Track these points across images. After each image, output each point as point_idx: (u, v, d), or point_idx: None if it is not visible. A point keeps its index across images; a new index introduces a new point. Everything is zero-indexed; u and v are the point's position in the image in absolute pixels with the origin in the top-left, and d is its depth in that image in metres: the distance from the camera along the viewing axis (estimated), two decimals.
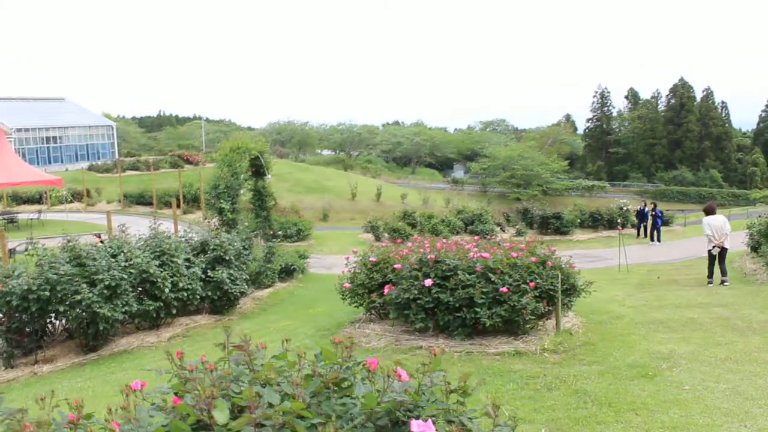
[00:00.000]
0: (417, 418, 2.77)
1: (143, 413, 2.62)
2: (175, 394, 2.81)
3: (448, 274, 9.15)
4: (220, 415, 2.40)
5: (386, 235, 26.28)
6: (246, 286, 14.45)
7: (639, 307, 12.39)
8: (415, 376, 3.05)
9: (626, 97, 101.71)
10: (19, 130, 66.59)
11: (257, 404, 2.44)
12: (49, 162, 64.29)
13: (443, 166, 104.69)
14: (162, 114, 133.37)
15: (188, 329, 12.71)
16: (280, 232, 23.58)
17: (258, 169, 23.23)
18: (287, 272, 17.78)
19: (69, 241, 11.71)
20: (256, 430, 2.42)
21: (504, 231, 32.23)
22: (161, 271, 12.37)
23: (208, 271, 13.55)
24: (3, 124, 61.91)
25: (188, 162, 60.54)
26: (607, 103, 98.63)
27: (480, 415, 2.99)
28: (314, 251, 23.10)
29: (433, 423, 2.62)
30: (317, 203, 40.97)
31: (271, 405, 2.53)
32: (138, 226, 17.89)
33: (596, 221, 34.28)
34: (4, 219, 30.35)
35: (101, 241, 13.07)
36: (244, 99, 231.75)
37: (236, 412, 2.63)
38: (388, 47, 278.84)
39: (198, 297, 13.19)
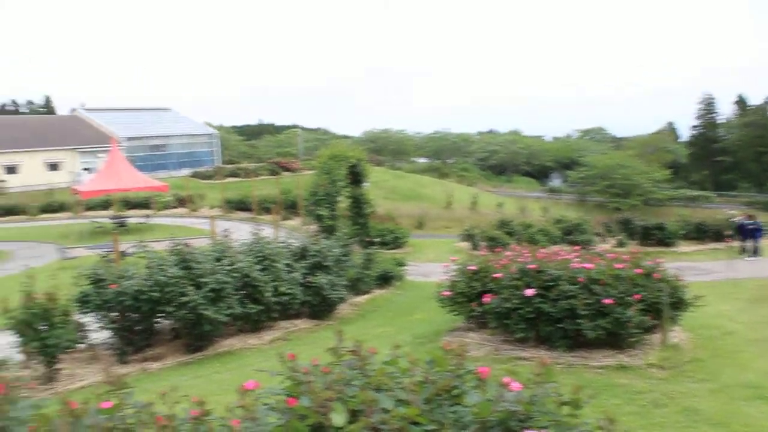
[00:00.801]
0: (529, 428, 2.73)
1: (261, 412, 2.68)
2: (288, 395, 2.86)
3: (550, 284, 8.99)
4: (338, 418, 2.43)
5: (483, 243, 26.06)
6: (344, 292, 14.63)
7: (752, 323, 11.81)
8: (527, 386, 3.01)
9: (735, 103, 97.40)
10: (128, 138, 69.80)
11: (374, 409, 2.46)
12: (156, 169, 66.96)
13: (539, 174, 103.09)
14: (261, 123, 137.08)
15: (288, 333, 12.96)
16: (377, 239, 23.75)
17: (356, 177, 23.50)
18: (384, 279, 17.88)
19: (177, 245, 12.16)
20: None
21: (604, 241, 31.40)
22: (263, 276, 12.68)
23: (308, 276, 13.79)
24: (114, 134, 65.06)
25: (286, 169, 61.87)
26: (712, 110, 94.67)
27: (593, 429, 2.92)
28: (411, 259, 23.15)
29: None
30: (413, 211, 41.06)
31: (385, 410, 2.55)
32: (239, 231, 18.42)
33: (702, 233, 32.85)
34: (115, 223, 31.83)
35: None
36: (339, 108, 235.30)
37: (350, 415, 2.66)
38: (482, 57, 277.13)
39: (298, 301, 13.45)
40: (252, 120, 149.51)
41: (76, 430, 2.22)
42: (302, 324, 13.56)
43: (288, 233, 15.52)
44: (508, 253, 11.05)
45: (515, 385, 2.99)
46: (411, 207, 43.91)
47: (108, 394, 2.58)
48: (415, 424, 2.56)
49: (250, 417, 2.59)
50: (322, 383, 2.74)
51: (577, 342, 8.95)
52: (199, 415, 2.54)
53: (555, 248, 14.73)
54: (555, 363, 8.43)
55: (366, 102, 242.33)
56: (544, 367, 3.14)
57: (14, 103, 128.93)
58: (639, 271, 9.26)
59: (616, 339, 8.89)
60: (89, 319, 11.77)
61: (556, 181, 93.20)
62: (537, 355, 8.71)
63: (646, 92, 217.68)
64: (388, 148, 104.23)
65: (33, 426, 2.30)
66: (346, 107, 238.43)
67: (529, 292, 8.90)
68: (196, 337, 11.77)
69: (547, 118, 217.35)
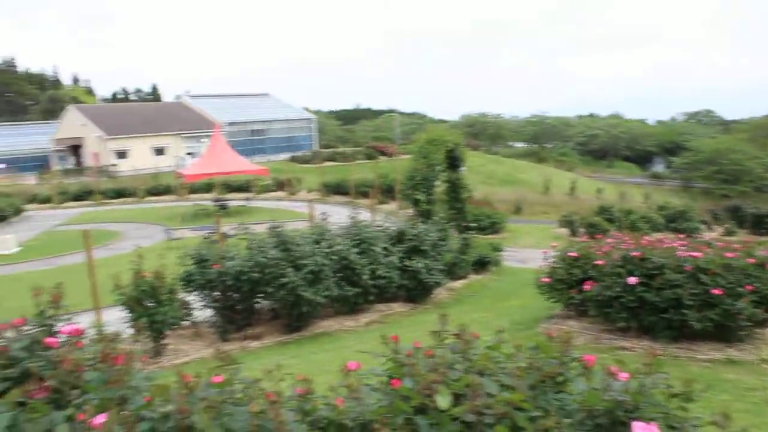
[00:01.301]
0: (637, 419, 2.64)
1: (364, 392, 2.69)
2: (391, 376, 2.86)
3: (654, 272, 8.68)
4: (443, 400, 2.42)
5: (582, 230, 25.47)
6: (441, 277, 14.61)
7: None
8: (634, 376, 2.91)
9: None
10: (229, 123, 71.78)
11: (478, 392, 2.43)
12: (255, 153, 68.64)
13: (641, 159, 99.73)
14: (357, 107, 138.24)
15: (384, 316, 13.05)
16: (474, 224, 23.59)
17: (453, 161, 23.38)
18: (481, 264, 17.76)
19: (276, 228, 12.43)
20: (476, 419, 2.41)
21: (710, 230, 30.15)
22: (360, 259, 12.80)
23: (405, 260, 13.83)
24: (216, 119, 67.03)
25: (382, 153, 62.24)
26: None
27: (705, 424, 2.80)
28: (508, 244, 22.89)
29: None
30: (509, 196, 40.56)
31: (490, 394, 2.52)
32: (336, 214, 18.65)
33: None
34: (217, 205, 32.85)
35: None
36: (435, 92, 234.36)
37: (452, 398, 2.64)
38: (583, 39, 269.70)
39: (394, 285, 13.52)
40: (349, 105, 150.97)
41: (190, 402, 2.29)
42: (398, 307, 13.63)
43: (385, 217, 15.60)
44: (609, 239, 10.74)
45: (622, 375, 2.90)
46: (508, 192, 43.39)
47: (218, 369, 2.66)
48: (519, 409, 2.52)
49: (353, 396, 2.62)
50: (426, 366, 2.73)
51: (681, 333, 8.62)
52: (304, 393, 2.58)
53: (658, 236, 14.22)
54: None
55: (463, 84, 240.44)
56: (652, 357, 3.03)
57: (124, 91, 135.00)
58: (751, 260, 8.82)
59: (724, 332, 8.50)
60: (193, 298, 12.21)
61: (658, 167, 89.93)
62: (639, 345, 8.46)
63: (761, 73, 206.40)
64: (486, 133, 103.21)
65: (149, 395, 2.39)
66: (443, 91, 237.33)
67: (632, 280, 8.62)
68: (294, 317, 12.01)
69: (651, 101, 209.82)
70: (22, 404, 2.46)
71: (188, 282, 11.95)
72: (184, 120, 73.21)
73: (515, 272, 18.10)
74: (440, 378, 2.54)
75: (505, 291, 15.44)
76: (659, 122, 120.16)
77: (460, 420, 2.45)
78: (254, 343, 11.65)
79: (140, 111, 77.59)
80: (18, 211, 39.35)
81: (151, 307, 10.78)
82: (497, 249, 19.44)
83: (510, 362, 2.92)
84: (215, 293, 11.95)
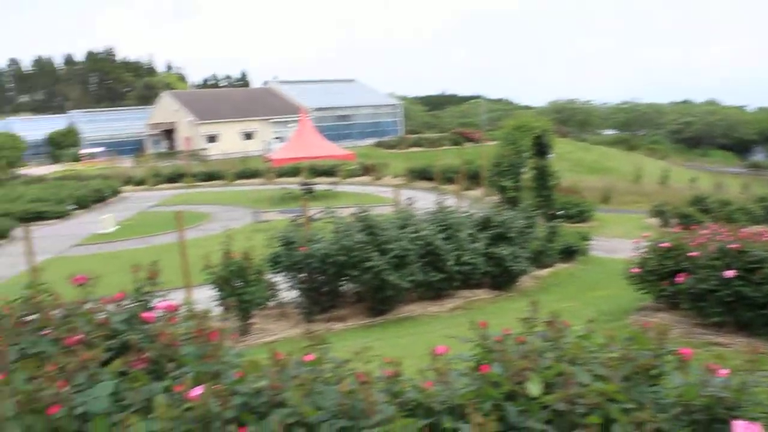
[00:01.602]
0: (737, 418, 2.53)
1: (452, 377, 2.67)
2: (480, 362, 2.83)
3: (754, 266, 8.30)
4: (534, 388, 2.37)
5: (674, 220, 24.64)
6: (527, 264, 14.40)
7: None
8: (735, 373, 2.78)
9: None
10: (317, 109, 72.67)
11: (571, 381, 2.38)
12: (341, 138, 69.29)
13: (739, 148, 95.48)
14: (443, 93, 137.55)
15: (468, 302, 12.98)
16: (561, 212, 23.15)
17: (541, 148, 22.97)
18: (568, 253, 17.40)
19: (363, 212, 12.52)
20: (568, 408, 2.36)
21: None
22: (446, 245, 12.76)
23: (491, 247, 13.70)
24: (304, 104, 67.97)
25: (468, 139, 61.79)
26: None
27: None
28: (596, 233, 22.34)
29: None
30: (598, 184, 39.58)
31: (582, 384, 2.45)
32: (422, 200, 18.63)
33: None
34: (304, 189, 33.37)
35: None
36: (522, 78, 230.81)
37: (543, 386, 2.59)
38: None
39: (479, 271, 13.41)
40: (434, 91, 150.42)
41: (282, 378, 2.33)
42: (483, 294, 13.52)
43: (470, 203, 15.49)
44: (704, 231, 10.33)
45: (721, 371, 2.78)
46: (596, 180, 42.37)
47: (308, 349, 2.70)
48: (612, 401, 2.45)
49: (442, 380, 2.60)
50: (516, 353, 2.69)
51: None
52: (393, 375, 2.58)
53: (758, 228, 13.61)
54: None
55: (551, 71, 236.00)
56: (755, 354, 2.90)
57: (215, 77, 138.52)
58: None
59: None
60: (279, 279, 12.45)
61: (759, 156, 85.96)
62: (735, 341, 8.12)
63: None
64: (574, 119, 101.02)
65: (242, 371, 2.45)
66: (530, 77, 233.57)
67: (729, 273, 8.27)
68: (378, 301, 12.09)
69: (750, 87, 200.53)
70: (122, 374, 2.56)
71: (275, 263, 12.19)
72: (272, 105, 74.60)
73: (603, 262, 17.67)
74: (531, 365, 2.50)
75: (592, 281, 15.10)
76: (761, 109, 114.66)
77: (551, 408, 2.40)
78: (338, 325, 11.80)
79: (230, 97, 79.58)
80: (115, 192, 41.08)
81: (239, 286, 11.05)
82: (585, 238, 19.00)
83: (602, 352, 2.84)
84: (301, 275, 12.15)
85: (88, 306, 3.56)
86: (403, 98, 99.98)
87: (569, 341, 2.91)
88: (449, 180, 34.00)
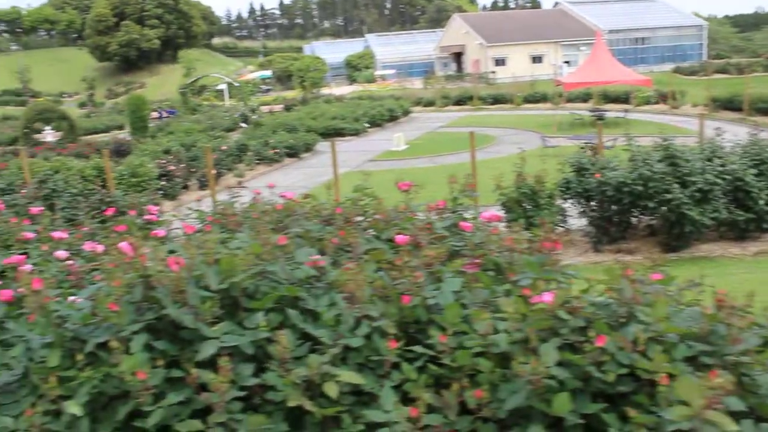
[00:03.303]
0: None
1: None
2: None
3: None
4: None
5: None
6: None
7: None
8: None
9: None
10: (610, 31, 68.98)
11: None
12: (635, 63, 65.29)
13: None
14: (759, 11, 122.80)
15: None
16: None
17: None
18: None
19: (665, 140, 11.77)
20: None
21: None
22: (758, 182, 11.57)
23: None
24: (597, 26, 64.88)
25: None
26: None
27: None
28: None
29: None
30: None
31: None
32: (727, 132, 17.00)
33: None
34: (594, 115, 32.16)
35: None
36: None
37: None
38: None
39: None
40: (748, 8, 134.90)
41: (628, 293, 2.29)
42: None
43: None
44: None
45: None
46: None
47: (653, 269, 2.62)
48: None
49: None
50: None
51: None
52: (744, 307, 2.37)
53: None
54: None
55: None
56: None
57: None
58: None
59: None
60: (568, 205, 12.24)
61: None
62: None
63: None
64: None
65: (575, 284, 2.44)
66: None
67: None
68: (674, 236, 11.39)
69: None
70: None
71: (566, 189, 11.97)
72: (563, 27, 72.22)
73: None
74: None
75: None
76: None
77: None
78: (627, 258, 11.36)
79: (519, 19, 78.48)
80: (406, 113, 42.98)
81: (529, 209, 11.07)
82: None
83: None
84: (592, 203, 11.83)
85: (410, 211, 3.76)
86: (710, 19, 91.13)
87: None
88: (762, 111, 30.64)
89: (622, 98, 40.91)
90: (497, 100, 47.35)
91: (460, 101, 48.47)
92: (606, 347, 2.12)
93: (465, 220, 3.76)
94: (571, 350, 2.22)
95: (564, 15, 75.98)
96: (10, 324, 2.51)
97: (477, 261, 2.82)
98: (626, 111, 34.76)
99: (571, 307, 2.27)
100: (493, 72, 66.43)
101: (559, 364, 2.13)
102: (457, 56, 76.87)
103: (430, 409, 2.15)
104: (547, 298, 2.27)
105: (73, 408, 2.07)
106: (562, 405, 2.04)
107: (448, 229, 3.45)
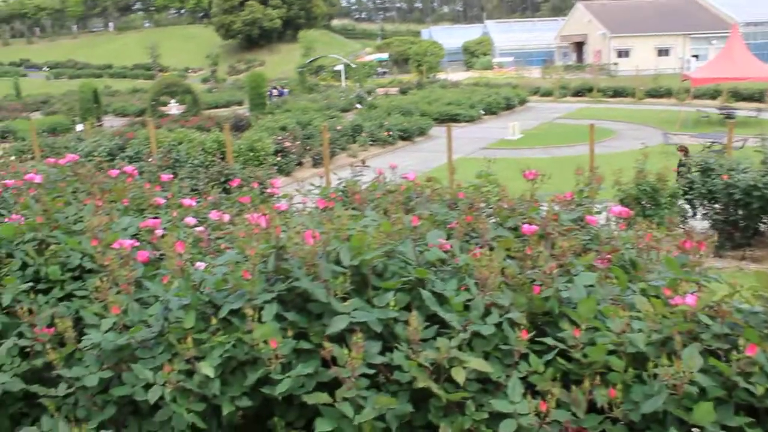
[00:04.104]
0: None
1: None
2: None
3: None
4: None
5: None
6: None
7: None
8: None
9: None
10: (746, 23, 65.22)
11: None
12: None
13: None
14: None
15: None
16: None
17: None
18: None
19: None
20: None
21: None
22: None
23: None
24: (732, 18, 61.55)
25: None
26: None
27: None
28: None
29: None
30: None
31: None
32: None
33: None
34: (723, 114, 30.62)
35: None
36: None
37: None
38: None
39: None
40: None
41: None
42: None
43: None
44: None
45: None
46: None
47: None
48: None
49: None
50: None
51: None
52: None
53: None
54: None
55: None
56: None
57: None
58: None
59: None
60: (690, 207, 11.77)
61: None
62: None
63: None
64: None
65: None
66: None
67: None
68: None
69: None
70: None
71: (689, 189, 11.48)
72: (694, 18, 68.84)
73: None
74: None
75: None
76: None
77: None
78: (752, 266, 10.80)
79: (646, 8, 75.14)
80: (522, 102, 42.29)
81: (648, 207, 10.65)
82: None
83: None
84: (717, 205, 11.28)
85: (532, 201, 3.67)
86: None
87: None
88: None
89: (755, 96, 38.65)
90: (618, 93, 45.75)
91: (579, 92, 47.22)
92: (756, 358, 1.99)
93: (591, 213, 3.65)
94: (712, 357, 2.10)
95: (695, 5, 72.33)
96: (148, 284, 2.61)
97: (608, 256, 2.71)
98: (759, 110, 32.84)
99: (714, 311, 2.14)
100: (615, 63, 64.23)
101: (701, 370, 2.02)
102: (578, 46, 74.78)
103: (556, 405, 2.08)
104: (690, 300, 2.15)
105: (206, 369, 2.12)
106: (704, 414, 1.93)
107: (574, 222, 3.35)
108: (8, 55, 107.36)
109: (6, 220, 3.22)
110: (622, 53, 65.88)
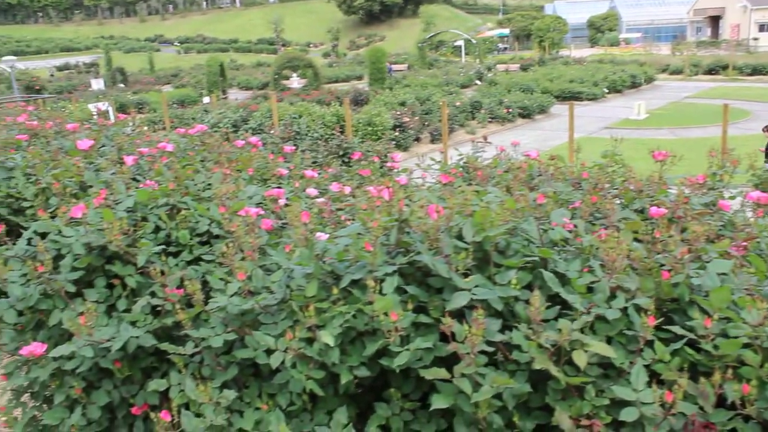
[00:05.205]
0: None
1: None
2: None
3: None
4: None
5: None
6: None
7: None
8: None
9: None
10: None
11: None
12: None
13: None
14: None
15: None
16: None
17: None
18: None
19: None
20: None
21: None
22: None
23: None
24: None
25: None
26: None
27: None
28: None
29: None
30: None
31: None
32: None
33: None
34: None
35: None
36: None
37: None
38: None
39: None
40: None
41: None
42: None
43: None
44: None
45: None
46: None
47: None
48: None
49: None
50: None
51: None
52: None
53: None
54: None
55: None
56: None
57: None
58: None
59: None
60: None
61: None
62: None
63: None
64: None
65: None
66: None
67: None
68: None
69: None
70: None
71: None
72: None
73: None
74: None
75: None
76: None
77: None
78: None
79: None
80: (649, 80, 40.59)
81: None
82: None
83: None
84: None
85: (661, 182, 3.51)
86: None
87: None
88: None
89: None
90: (756, 70, 42.96)
91: (712, 70, 44.78)
92: None
93: (724, 198, 3.46)
94: None
95: None
96: (271, 251, 2.69)
97: (744, 244, 2.56)
98: None
99: None
100: (756, 39, 60.35)
101: None
102: (714, 20, 70.79)
103: (683, 396, 1.99)
104: None
105: (326, 338, 2.17)
106: None
107: (706, 207, 3.18)
108: (144, 31, 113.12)
109: (141, 185, 3.39)
110: (764, 27, 61.79)
